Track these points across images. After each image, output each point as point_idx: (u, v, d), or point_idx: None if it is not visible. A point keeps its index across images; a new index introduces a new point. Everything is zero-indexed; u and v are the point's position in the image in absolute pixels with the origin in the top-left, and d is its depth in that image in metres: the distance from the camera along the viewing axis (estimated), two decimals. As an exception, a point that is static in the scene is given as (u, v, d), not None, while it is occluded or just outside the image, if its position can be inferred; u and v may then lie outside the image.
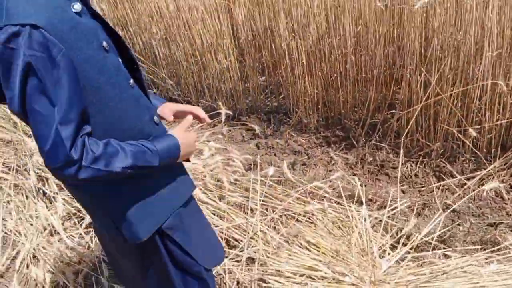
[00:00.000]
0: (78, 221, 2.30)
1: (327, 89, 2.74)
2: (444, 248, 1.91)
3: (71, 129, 0.90)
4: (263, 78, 3.24)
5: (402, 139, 2.41)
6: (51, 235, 2.24)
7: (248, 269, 1.83)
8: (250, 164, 2.60)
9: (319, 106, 2.77)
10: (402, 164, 2.41)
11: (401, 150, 2.35)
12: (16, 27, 0.84)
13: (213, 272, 1.94)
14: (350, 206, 2.04)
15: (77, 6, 0.96)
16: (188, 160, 1.26)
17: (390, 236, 1.94)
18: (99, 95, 0.98)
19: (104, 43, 1.01)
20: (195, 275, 1.31)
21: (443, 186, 2.33)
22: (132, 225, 1.13)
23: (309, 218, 2.08)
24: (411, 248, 1.87)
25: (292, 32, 2.59)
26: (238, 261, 1.94)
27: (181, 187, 1.24)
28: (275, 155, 2.78)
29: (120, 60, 1.08)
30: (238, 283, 1.86)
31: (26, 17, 0.85)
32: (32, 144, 2.57)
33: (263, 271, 1.62)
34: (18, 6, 0.86)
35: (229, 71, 2.98)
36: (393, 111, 2.57)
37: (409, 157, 2.51)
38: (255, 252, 1.77)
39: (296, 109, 2.86)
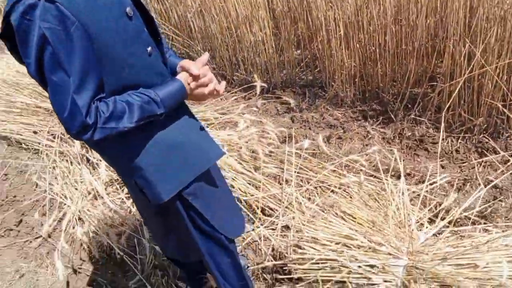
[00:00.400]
0: (120, 187, 2.40)
1: (364, 62, 2.68)
2: (484, 223, 1.87)
3: (86, 98, 0.96)
4: (298, 51, 3.20)
5: (443, 114, 2.34)
6: (95, 199, 2.35)
7: (283, 235, 1.87)
8: (285, 137, 2.61)
9: (356, 80, 2.72)
10: (442, 139, 2.35)
11: (442, 125, 2.28)
12: None
13: (248, 239, 2.00)
14: (387, 180, 2.02)
15: None
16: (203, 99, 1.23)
17: (429, 210, 1.92)
18: (116, 63, 1.02)
19: (128, 9, 1.03)
20: (218, 243, 1.35)
21: (485, 162, 2.26)
22: (153, 186, 1.17)
23: (344, 190, 2.08)
24: (449, 223, 1.84)
25: (329, 2, 2.53)
26: (273, 229, 1.98)
27: (204, 153, 1.26)
28: (309, 128, 2.77)
29: (144, 28, 1.10)
30: (273, 249, 1.91)
31: None
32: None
33: (298, 237, 1.65)
34: None
35: (264, 43, 2.96)
36: (434, 83, 2.50)
37: (449, 132, 2.45)
38: (291, 220, 1.80)
39: (332, 83, 2.82)
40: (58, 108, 0.96)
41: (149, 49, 1.09)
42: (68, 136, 2.71)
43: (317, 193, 2.10)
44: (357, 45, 2.57)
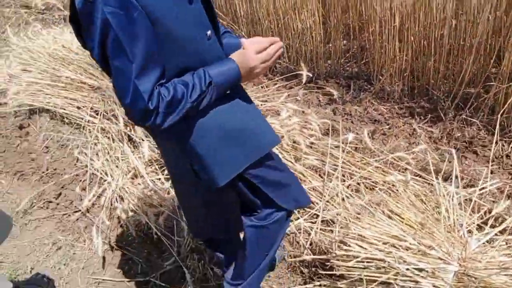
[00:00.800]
0: (159, 168, 2.41)
1: (417, 57, 2.57)
2: (539, 234, 1.76)
3: (148, 83, 0.94)
4: (344, 41, 3.10)
5: (498, 116, 2.22)
6: (135, 177, 2.37)
7: (324, 228, 1.82)
8: (327, 129, 2.55)
9: (406, 74, 2.61)
10: (495, 142, 2.23)
11: (497, 128, 2.16)
12: None
13: (287, 230, 1.96)
14: (437, 181, 1.93)
15: None
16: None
17: (478, 216, 1.83)
18: (177, 48, 1.00)
19: None
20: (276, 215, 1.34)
21: (540, 170, 2.14)
22: (209, 171, 1.16)
23: (389, 189, 2.01)
24: (500, 232, 1.75)
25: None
26: (312, 222, 1.94)
27: (261, 138, 1.24)
28: (352, 122, 2.69)
29: (204, 11, 1.07)
30: (311, 244, 1.87)
31: None
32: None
33: (344, 233, 1.60)
34: None
35: (312, 31, 2.88)
36: (491, 83, 2.36)
37: (502, 136, 2.32)
38: (336, 215, 1.75)
39: (380, 76, 2.72)
40: (120, 94, 0.95)
41: (208, 32, 1.06)
42: (112, 114, 2.75)
43: (360, 189, 2.04)
44: (411, 38, 2.46)
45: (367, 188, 2.05)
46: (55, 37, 3.53)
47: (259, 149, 1.23)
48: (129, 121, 2.58)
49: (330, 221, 1.91)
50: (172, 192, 2.23)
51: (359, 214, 1.72)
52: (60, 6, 4.65)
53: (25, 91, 3.13)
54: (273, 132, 1.28)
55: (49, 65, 3.25)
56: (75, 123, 2.89)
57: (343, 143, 2.32)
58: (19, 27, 4.51)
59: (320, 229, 1.87)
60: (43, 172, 2.60)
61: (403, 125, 2.55)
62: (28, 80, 3.19)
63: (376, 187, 2.05)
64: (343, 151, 2.23)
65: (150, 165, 2.46)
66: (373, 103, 2.71)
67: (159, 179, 2.36)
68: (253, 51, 1.11)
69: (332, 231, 1.75)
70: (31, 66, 3.35)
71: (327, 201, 1.99)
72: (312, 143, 2.40)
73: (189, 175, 1.21)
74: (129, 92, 0.93)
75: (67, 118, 2.95)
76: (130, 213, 2.16)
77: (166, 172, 2.31)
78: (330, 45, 3.01)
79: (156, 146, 2.41)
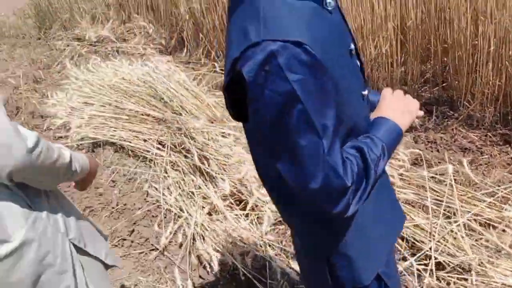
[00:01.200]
0: (236, 204, 2.26)
1: (510, 82, 2.38)
2: None
3: (338, 155, 0.73)
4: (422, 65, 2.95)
5: None
6: (213, 213, 2.23)
7: (444, 275, 1.61)
8: (416, 159, 2.37)
9: (499, 100, 2.42)
10: None
11: None
12: (275, 44, 0.66)
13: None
14: None
15: (332, 1, 0.77)
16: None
17: None
18: (342, 110, 0.78)
19: (352, 46, 0.82)
20: None
21: None
22: (354, 266, 0.92)
23: (507, 226, 1.79)
24: None
25: (480, 14, 2.26)
26: (425, 265, 1.73)
27: (395, 219, 1.03)
28: (438, 151, 2.50)
29: (358, 66, 0.88)
30: (425, 289, 1.66)
31: (288, 32, 0.67)
32: (191, 124, 2.60)
33: (482, 282, 1.39)
34: (278, 16, 0.69)
35: (387, 57, 2.75)
36: None
37: None
38: (470, 260, 1.54)
39: (466, 103, 2.54)
40: (306, 178, 0.72)
41: (365, 92, 0.87)
42: (182, 146, 2.63)
43: (473, 227, 1.82)
44: (506, 63, 2.28)
45: (481, 225, 1.83)
46: (116, 70, 3.52)
47: (395, 233, 1.04)
48: (201, 153, 2.45)
49: (445, 263, 1.70)
50: (255, 229, 2.07)
51: (490, 257, 1.50)
52: (113, 38, 4.73)
53: (87, 124, 3.09)
54: (401, 208, 1.08)
55: (111, 98, 3.22)
56: (141, 156, 2.80)
57: (438, 174, 2.13)
58: (72, 59, 4.58)
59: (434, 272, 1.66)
60: (113, 208, 2.50)
61: (499, 154, 2.33)
62: (90, 113, 3.16)
63: (490, 224, 1.83)
64: (441, 182, 2.04)
65: (224, 200, 2.31)
66: (460, 131, 2.52)
67: (236, 215, 2.21)
68: (388, 94, 0.95)
69: (465, 279, 1.53)
70: (92, 99, 3.33)
71: (438, 241, 1.78)
72: (401, 174, 2.22)
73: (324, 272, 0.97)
74: (318, 175, 0.72)
75: (132, 151, 2.87)
76: (213, 252, 2.00)
77: (247, 208, 2.15)
78: (403, 69, 2.86)
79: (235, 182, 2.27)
